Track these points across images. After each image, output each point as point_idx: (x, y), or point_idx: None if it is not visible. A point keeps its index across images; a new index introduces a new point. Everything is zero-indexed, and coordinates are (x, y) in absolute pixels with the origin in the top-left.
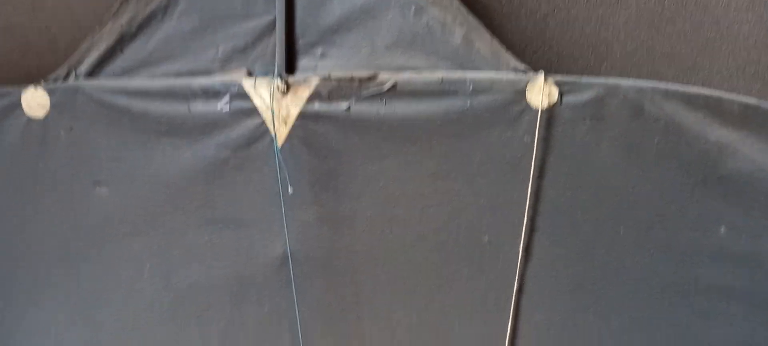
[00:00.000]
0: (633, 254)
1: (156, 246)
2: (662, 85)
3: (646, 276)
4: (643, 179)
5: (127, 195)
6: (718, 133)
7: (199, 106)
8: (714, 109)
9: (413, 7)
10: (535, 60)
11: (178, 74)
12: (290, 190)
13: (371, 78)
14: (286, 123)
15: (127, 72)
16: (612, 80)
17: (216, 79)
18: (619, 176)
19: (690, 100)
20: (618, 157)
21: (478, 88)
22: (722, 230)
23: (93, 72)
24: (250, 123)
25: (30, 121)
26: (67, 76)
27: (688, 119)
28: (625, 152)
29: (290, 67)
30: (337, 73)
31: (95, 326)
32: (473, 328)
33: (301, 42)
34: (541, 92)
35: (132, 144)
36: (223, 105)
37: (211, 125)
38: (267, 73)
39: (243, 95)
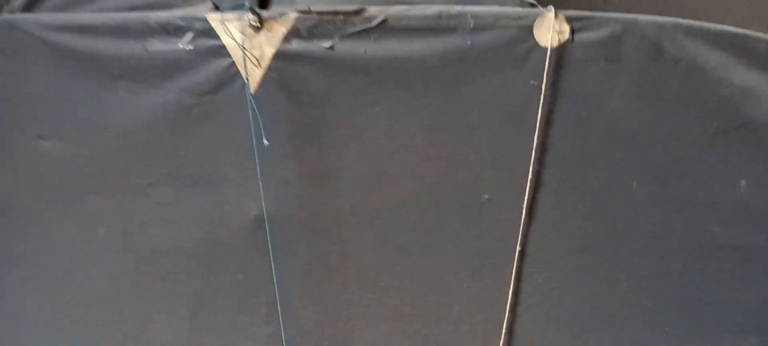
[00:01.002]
0: (646, 210)
1: (112, 206)
2: (684, 21)
3: (659, 234)
4: (660, 128)
5: (76, 149)
6: (743, 76)
7: (158, 45)
8: (739, 48)
9: None
10: None
11: (132, 8)
12: (265, 142)
13: (358, 12)
14: (259, 65)
15: (71, 5)
16: (630, 16)
17: (177, 13)
18: (634, 123)
19: (714, 39)
20: (633, 103)
21: (480, 25)
22: (743, 184)
23: (30, 5)
24: (217, 65)
25: None
26: None
27: (710, 60)
28: (641, 97)
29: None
30: (319, 6)
31: (48, 294)
32: (470, 293)
33: None
34: (550, 29)
35: (79, 90)
36: (185, 43)
37: (172, 67)
38: (237, 6)
39: (209, 32)
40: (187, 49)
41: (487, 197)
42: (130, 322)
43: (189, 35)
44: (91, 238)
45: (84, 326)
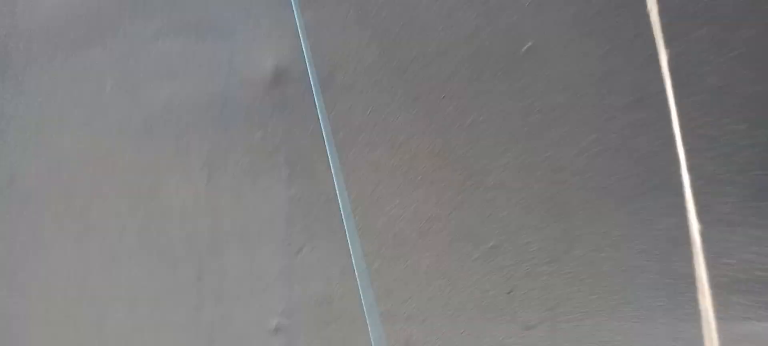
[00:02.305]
0: None
1: (117, 59)
2: None
3: None
4: None
5: None
6: None
7: None
8: None
9: None
10: None
11: None
12: None
13: None
14: None
15: None
16: None
17: None
18: None
19: None
20: None
21: None
22: None
23: None
24: None
25: None
26: None
27: None
28: None
29: None
30: None
31: (55, 151)
32: (507, 152)
33: None
34: None
35: None
36: None
37: None
38: None
39: None
40: None
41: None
42: (143, 183)
43: None
44: (99, 92)
45: (93, 190)
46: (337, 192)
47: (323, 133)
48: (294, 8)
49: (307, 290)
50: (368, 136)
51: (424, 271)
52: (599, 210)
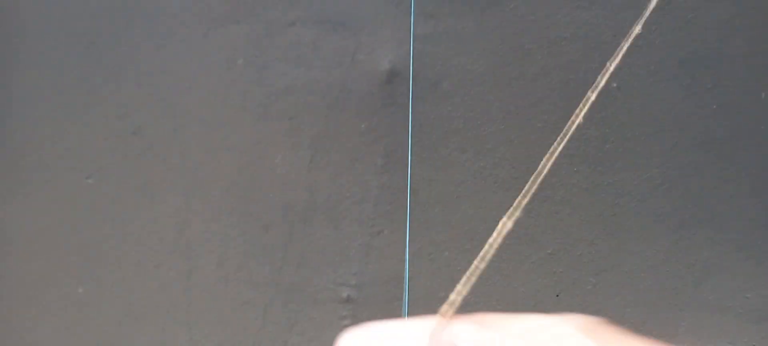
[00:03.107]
0: None
1: (251, 38)
2: None
3: None
4: None
5: None
6: None
7: None
8: None
9: None
10: None
11: None
12: None
13: None
14: None
15: None
16: None
17: None
18: None
19: None
20: None
21: None
22: None
23: None
24: None
25: None
26: None
27: None
28: None
29: None
30: None
31: (180, 110)
32: (577, 173)
33: None
34: None
35: None
36: None
37: None
38: None
39: None
40: None
41: (616, 85)
42: (253, 153)
43: None
44: (230, 67)
45: (207, 151)
46: (423, 185)
47: (410, 130)
48: (411, 16)
49: (380, 268)
50: (459, 141)
51: (486, 266)
52: (648, 234)
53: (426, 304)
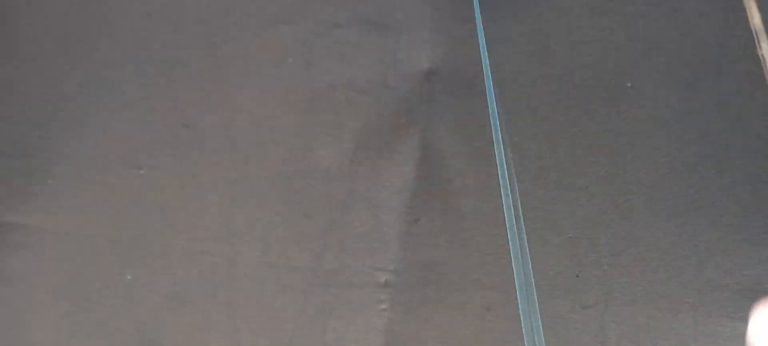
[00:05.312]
0: None
1: (299, 38)
2: None
3: None
4: None
5: None
6: None
7: None
8: None
9: None
10: None
11: None
12: None
13: None
14: None
15: None
16: None
17: None
18: None
19: None
20: None
21: None
22: None
23: None
24: None
25: None
26: None
27: None
28: None
29: None
30: None
31: (230, 104)
32: (596, 163)
33: None
34: None
35: None
36: None
37: None
38: None
39: None
40: None
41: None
42: (298, 145)
43: None
44: (279, 64)
45: (255, 144)
46: (454, 175)
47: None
48: (477, 23)
49: (416, 254)
50: (490, 135)
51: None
52: (657, 219)
53: (460, 287)
